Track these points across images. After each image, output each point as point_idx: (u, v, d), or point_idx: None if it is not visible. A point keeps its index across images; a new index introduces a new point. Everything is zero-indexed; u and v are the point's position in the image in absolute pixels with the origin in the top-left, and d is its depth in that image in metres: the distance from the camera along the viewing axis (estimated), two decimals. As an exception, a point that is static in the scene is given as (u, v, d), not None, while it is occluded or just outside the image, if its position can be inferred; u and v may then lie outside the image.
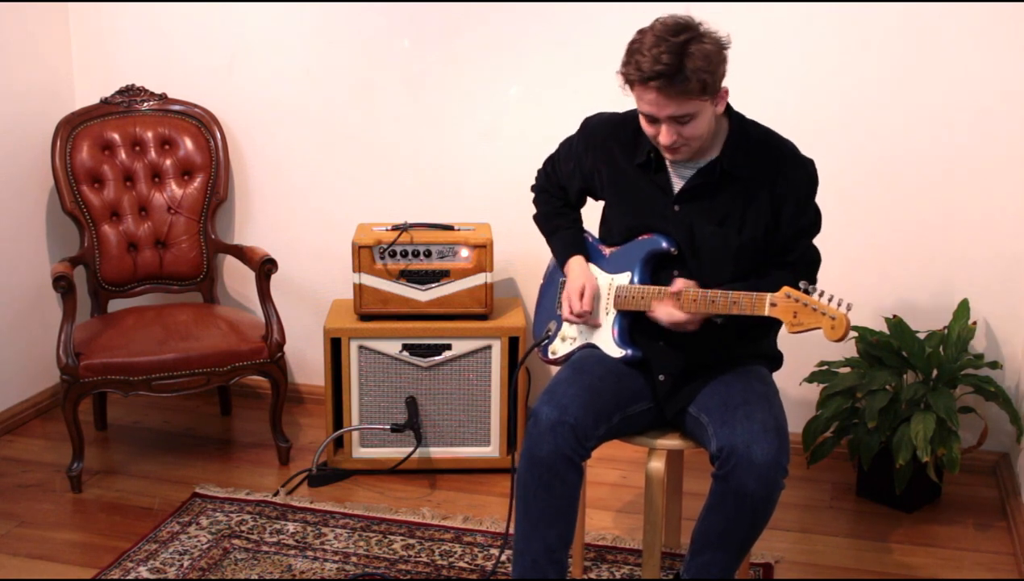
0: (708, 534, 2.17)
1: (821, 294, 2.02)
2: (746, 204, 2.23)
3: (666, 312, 2.21)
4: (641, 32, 2.12)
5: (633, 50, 2.09)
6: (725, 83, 2.16)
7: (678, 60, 2.02)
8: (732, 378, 2.27)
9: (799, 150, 2.28)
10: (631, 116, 2.34)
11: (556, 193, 2.56)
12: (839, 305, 2.00)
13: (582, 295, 2.37)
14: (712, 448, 2.15)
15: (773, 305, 2.06)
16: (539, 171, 2.62)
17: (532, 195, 2.64)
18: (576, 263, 2.45)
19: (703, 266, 2.26)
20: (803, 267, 2.28)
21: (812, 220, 2.30)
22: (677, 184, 2.28)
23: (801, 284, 2.03)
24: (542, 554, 2.20)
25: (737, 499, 2.10)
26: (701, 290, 2.17)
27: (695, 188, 2.26)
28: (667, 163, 2.28)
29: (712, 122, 2.17)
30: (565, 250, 2.49)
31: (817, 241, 2.37)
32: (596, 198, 2.48)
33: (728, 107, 2.25)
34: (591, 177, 2.42)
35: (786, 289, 2.05)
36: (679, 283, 2.20)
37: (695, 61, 2.03)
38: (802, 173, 2.26)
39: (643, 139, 2.28)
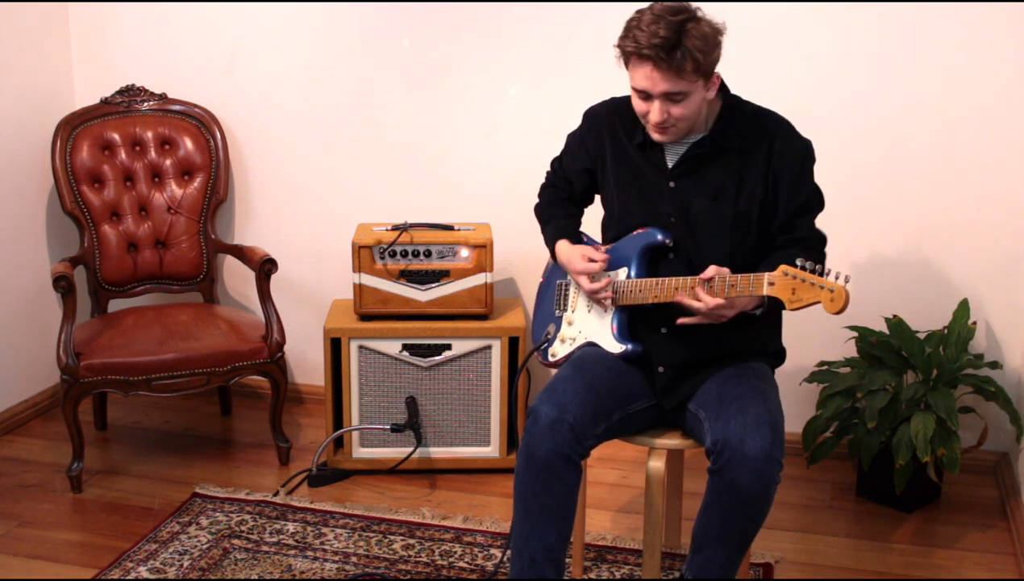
0: (707, 531, 2.18)
1: (818, 271, 2.03)
2: (740, 178, 2.25)
3: (702, 300, 2.17)
4: (639, 11, 2.16)
5: (631, 26, 2.14)
6: (719, 70, 2.19)
7: (676, 36, 2.07)
8: (730, 374, 2.28)
9: (795, 128, 2.30)
10: (630, 100, 2.38)
11: (562, 186, 2.58)
12: (837, 278, 2.00)
13: (590, 259, 2.38)
14: (707, 443, 2.16)
15: (771, 284, 2.07)
16: (547, 171, 2.65)
17: (533, 197, 2.65)
18: (564, 246, 2.48)
19: (699, 242, 2.27)
20: (809, 245, 2.28)
21: (811, 198, 2.30)
22: (671, 161, 2.31)
23: (798, 261, 2.04)
24: (540, 553, 2.20)
25: (732, 494, 2.10)
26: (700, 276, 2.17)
27: (686, 162, 2.28)
28: None
29: (702, 105, 2.21)
30: (553, 237, 2.52)
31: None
32: (599, 184, 2.49)
33: (724, 89, 2.29)
34: (596, 159, 2.45)
35: (783, 267, 2.05)
36: (711, 270, 2.18)
37: (692, 40, 2.08)
38: (796, 147, 2.27)
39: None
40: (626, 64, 2.19)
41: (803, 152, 2.28)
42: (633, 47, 2.11)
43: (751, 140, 2.26)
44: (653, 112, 2.18)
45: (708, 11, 2.17)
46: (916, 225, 3.16)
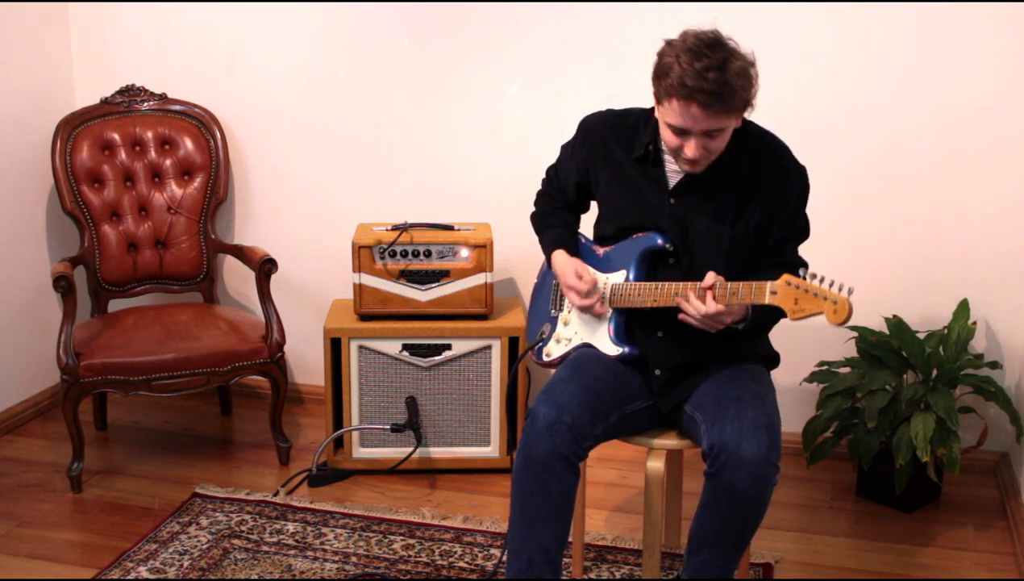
0: (703, 533, 2.17)
1: (821, 280, 2.03)
2: (741, 202, 2.25)
3: (699, 306, 2.16)
4: (671, 44, 2.11)
5: (668, 64, 2.08)
6: None
7: (723, 77, 2.03)
8: (727, 377, 2.28)
9: (794, 155, 2.30)
10: (628, 113, 2.38)
11: (556, 195, 2.58)
12: (840, 289, 2.00)
13: (579, 278, 2.37)
14: (704, 446, 2.15)
15: (773, 293, 2.07)
16: (543, 179, 2.65)
17: (533, 197, 2.65)
18: (560, 256, 2.47)
19: (696, 260, 2.27)
20: (793, 270, 2.27)
21: (803, 225, 2.33)
22: (672, 178, 2.30)
23: (801, 271, 2.04)
24: (537, 554, 2.20)
25: (728, 497, 2.10)
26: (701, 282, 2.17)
27: (691, 183, 2.27)
28: (663, 157, 2.30)
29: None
30: (550, 246, 2.51)
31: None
32: (593, 195, 2.49)
33: None
34: (587, 172, 2.44)
35: (786, 277, 2.05)
36: (711, 277, 2.17)
37: (737, 79, 2.05)
38: (798, 179, 2.28)
39: (641, 134, 2.31)
40: (660, 100, 2.14)
41: (804, 183, 2.29)
42: (681, 90, 2.05)
43: (756, 165, 2.25)
44: (689, 148, 2.14)
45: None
46: (916, 225, 3.16)
